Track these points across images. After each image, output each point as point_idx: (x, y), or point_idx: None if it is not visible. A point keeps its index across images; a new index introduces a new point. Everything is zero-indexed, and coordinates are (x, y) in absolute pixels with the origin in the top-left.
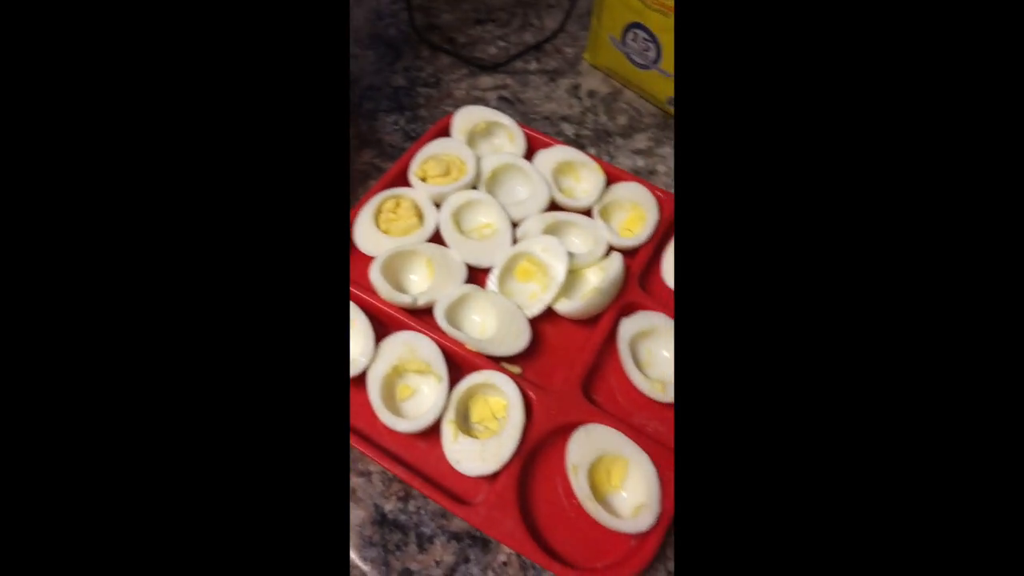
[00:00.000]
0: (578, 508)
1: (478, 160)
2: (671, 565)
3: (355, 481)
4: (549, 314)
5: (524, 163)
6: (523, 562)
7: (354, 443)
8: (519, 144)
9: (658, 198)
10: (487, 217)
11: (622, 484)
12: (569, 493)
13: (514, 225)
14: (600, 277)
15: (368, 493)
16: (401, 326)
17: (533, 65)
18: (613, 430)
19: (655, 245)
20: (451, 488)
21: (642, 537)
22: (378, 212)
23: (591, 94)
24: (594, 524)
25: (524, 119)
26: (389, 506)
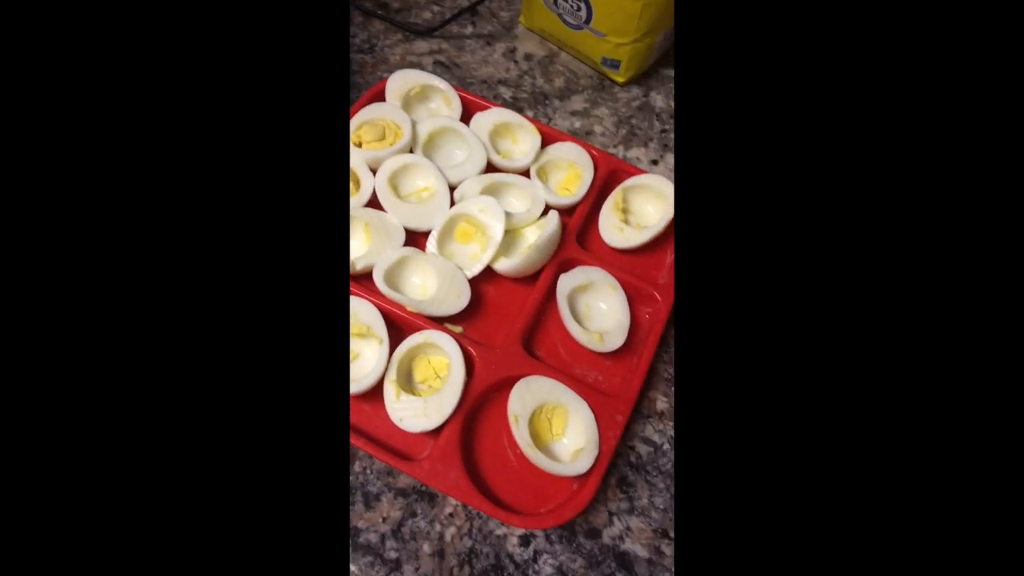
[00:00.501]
0: (521, 457)
1: (414, 124)
2: (612, 505)
3: None
4: (489, 273)
5: (461, 126)
6: (469, 512)
7: None
8: (455, 107)
9: (593, 156)
10: (424, 181)
11: (563, 431)
12: (512, 444)
13: (452, 188)
14: (538, 235)
15: None
16: None
17: (469, 29)
18: (552, 380)
19: (591, 202)
20: (395, 446)
21: (582, 479)
22: None
23: (527, 57)
24: (536, 471)
25: (461, 84)
26: None
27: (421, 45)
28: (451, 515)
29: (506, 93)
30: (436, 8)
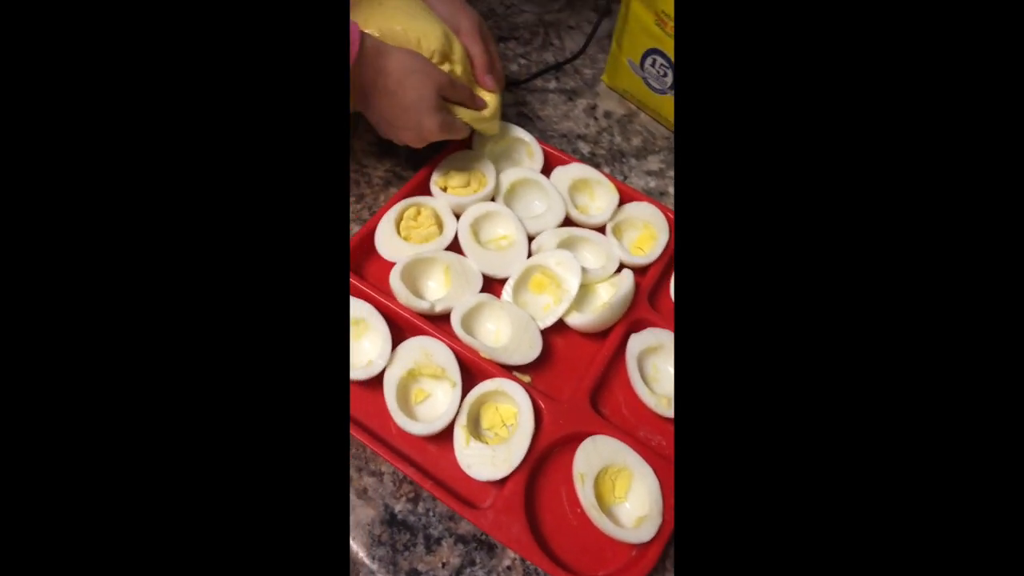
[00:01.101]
0: (582, 516)
1: (498, 173)
2: None
3: (367, 481)
4: (560, 326)
5: (542, 178)
6: (527, 567)
7: (367, 443)
8: (537, 160)
9: (669, 219)
10: (504, 229)
11: (626, 495)
12: (574, 501)
13: (530, 238)
14: (611, 293)
15: (379, 493)
16: (418, 331)
17: (552, 84)
18: (619, 442)
19: (665, 264)
20: (460, 491)
21: (643, 548)
22: (399, 219)
23: (607, 115)
24: (597, 533)
25: (542, 136)
26: (399, 506)
27: (506, 96)
28: (509, 568)
29: (584, 148)
30: (523, 61)
